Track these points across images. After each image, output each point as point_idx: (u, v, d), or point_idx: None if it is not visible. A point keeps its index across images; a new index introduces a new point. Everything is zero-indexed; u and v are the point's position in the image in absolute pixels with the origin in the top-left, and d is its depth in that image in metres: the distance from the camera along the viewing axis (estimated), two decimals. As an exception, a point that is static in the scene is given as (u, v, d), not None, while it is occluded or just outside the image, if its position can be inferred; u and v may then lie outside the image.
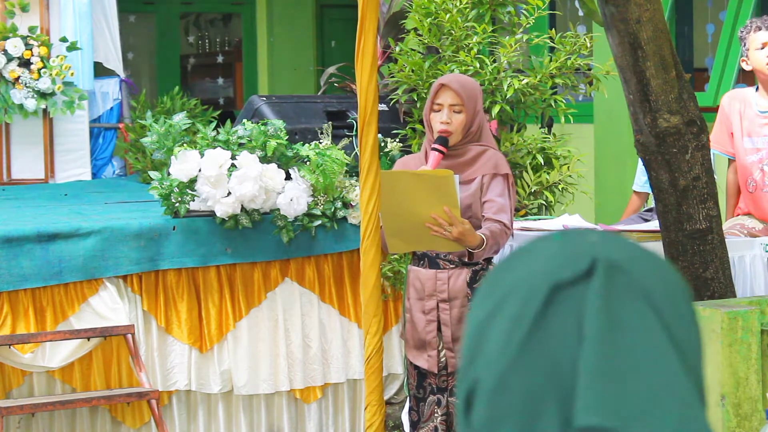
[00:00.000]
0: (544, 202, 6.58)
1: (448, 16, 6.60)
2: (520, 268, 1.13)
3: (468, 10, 6.65)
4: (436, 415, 4.96)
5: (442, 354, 4.89)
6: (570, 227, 5.80)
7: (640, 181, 6.44)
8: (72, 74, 9.65)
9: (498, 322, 1.11)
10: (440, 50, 6.72)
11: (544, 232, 5.90)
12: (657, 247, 5.01)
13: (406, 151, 6.56)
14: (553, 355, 1.08)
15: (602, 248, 1.12)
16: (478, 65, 6.46)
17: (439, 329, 4.89)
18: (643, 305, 1.09)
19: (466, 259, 4.84)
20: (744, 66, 6.05)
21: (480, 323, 1.13)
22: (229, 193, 5.94)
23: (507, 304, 1.11)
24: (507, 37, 6.66)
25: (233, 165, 5.99)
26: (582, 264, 1.10)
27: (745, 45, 5.98)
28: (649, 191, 5.05)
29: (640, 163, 5.72)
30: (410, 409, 5.10)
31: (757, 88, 6.03)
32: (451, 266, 4.87)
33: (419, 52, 6.89)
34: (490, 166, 4.86)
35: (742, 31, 6.04)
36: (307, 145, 6.34)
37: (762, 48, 5.91)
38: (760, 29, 5.92)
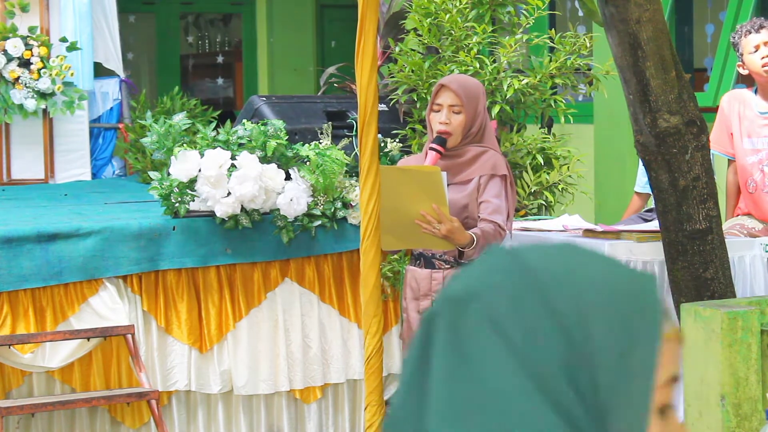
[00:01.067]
0: (543, 203, 6.58)
1: (448, 16, 6.60)
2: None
3: (468, 10, 6.65)
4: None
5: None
6: (569, 228, 5.80)
7: (641, 181, 6.44)
8: (72, 74, 9.65)
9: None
10: (440, 50, 6.71)
11: (543, 233, 5.87)
12: (656, 247, 5.01)
13: (406, 151, 6.56)
14: (424, 387, 1.09)
15: (456, 280, 1.11)
16: (478, 65, 6.46)
17: (435, 329, 4.88)
18: (491, 335, 1.06)
19: (457, 258, 4.83)
20: (741, 71, 6.05)
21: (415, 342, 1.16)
22: (229, 193, 5.94)
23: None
24: (507, 37, 6.65)
25: (233, 165, 5.99)
26: (438, 299, 1.11)
27: (738, 50, 5.98)
28: (650, 192, 5.05)
29: (641, 163, 5.72)
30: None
31: (756, 90, 6.03)
32: (447, 266, 4.87)
33: (419, 53, 6.88)
34: (488, 167, 4.86)
35: (733, 37, 6.03)
36: (307, 145, 6.34)
37: (755, 51, 5.90)
38: (750, 33, 5.92)
